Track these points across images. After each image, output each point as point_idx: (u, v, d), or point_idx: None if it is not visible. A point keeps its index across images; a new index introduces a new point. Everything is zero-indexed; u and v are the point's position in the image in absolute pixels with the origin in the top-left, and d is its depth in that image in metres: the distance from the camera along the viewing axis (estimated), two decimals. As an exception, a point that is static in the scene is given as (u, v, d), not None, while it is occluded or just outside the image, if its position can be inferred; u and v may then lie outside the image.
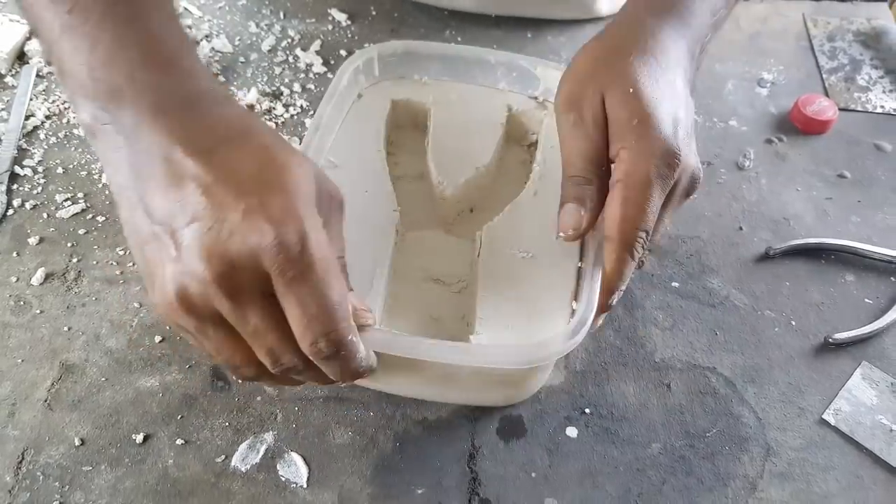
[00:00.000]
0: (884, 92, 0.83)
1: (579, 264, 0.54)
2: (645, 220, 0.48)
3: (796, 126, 0.78)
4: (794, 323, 0.63)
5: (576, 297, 0.52)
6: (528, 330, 0.51)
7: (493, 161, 0.63)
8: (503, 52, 0.67)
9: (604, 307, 0.50)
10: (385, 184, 0.60)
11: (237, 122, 0.42)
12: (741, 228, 0.69)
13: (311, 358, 0.40)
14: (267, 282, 0.38)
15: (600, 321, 0.53)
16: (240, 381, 0.56)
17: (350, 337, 0.40)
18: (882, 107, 0.81)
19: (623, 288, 0.50)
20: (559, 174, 0.53)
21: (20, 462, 0.52)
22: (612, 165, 0.50)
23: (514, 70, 0.66)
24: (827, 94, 0.82)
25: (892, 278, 0.66)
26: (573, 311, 0.51)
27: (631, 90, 0.49)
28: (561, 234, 0.51)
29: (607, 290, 0.50)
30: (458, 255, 0.59)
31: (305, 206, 0.40)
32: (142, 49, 0.42)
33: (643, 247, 0.49)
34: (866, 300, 0.64)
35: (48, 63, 0.44)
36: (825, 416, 0.57)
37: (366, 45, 0.82)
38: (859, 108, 0.81)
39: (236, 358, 0.42)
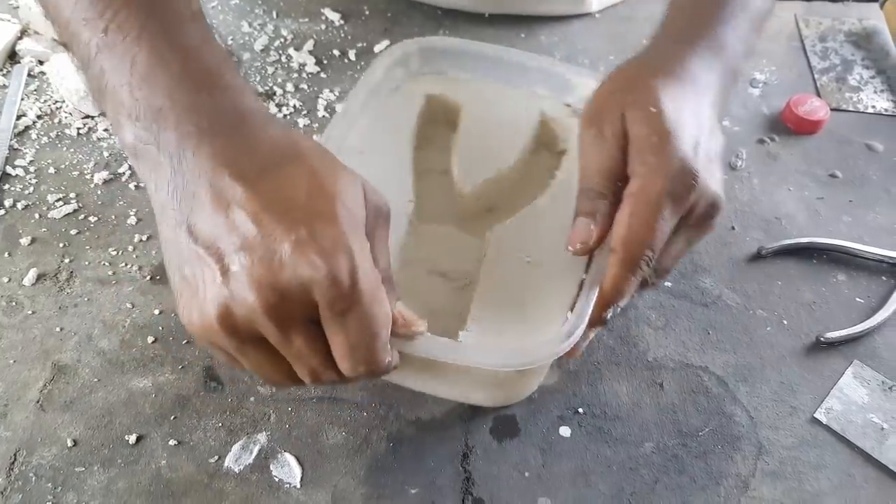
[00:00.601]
0: (875, 92, 0.83)
1: (584, 276, 0.54)
2: (652, 237, 0.47)
3: (788, 126, 0.78)
4: (785, 322, 0.63)
5: (572, 308, 0.52)
6: (520, 334, 0.51)
7: (517, 164, 0.63)
8: (542, 57, 0.67)
9: (596, 321, 0.49)
10: (407, 174, 0.60)
11: (283, 144, 0.41)
12: (733, 228, 0.69)
13: (347, 376, 0.42)
14: (313, 309, 0.39)
15: (591, 335, 0.54)
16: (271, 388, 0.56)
17: (387, 360, 0.42)
18: (873, 107, 0.81)
19: (622, 304, 0.49)
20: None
21: (12, 463, 0.51)
22: (630, 180, 0.49)
23: (551, 76, 0.66)
24: (818, 95, 0.82)
25: (884, 277, 0.66)
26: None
27: (653, 109, 0.49)
28: (570, 247, 0.51)
29: (602, 304, 0.49)
30: (468, 253, 0.59)
31: (354, 234, 0.40)
32: (180, 67, 0.41)
33: (648, 265, 0.48)
34: (857, 299, 0.65)
35: (85, 82, 0.44)
36: (817, 415, 0.57)
37: (359, 44, 0.82)
38: (851, 108, 0.81)
39: (276, 376, 0.42)
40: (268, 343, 0.40)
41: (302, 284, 0.38)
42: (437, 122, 0.67)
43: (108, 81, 0.42)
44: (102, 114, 0.73)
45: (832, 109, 0.79)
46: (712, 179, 0.49)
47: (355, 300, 0.39)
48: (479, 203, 0.62)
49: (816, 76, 0.84)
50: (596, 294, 0.49)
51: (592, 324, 0.49)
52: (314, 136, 0.62)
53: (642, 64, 0.54)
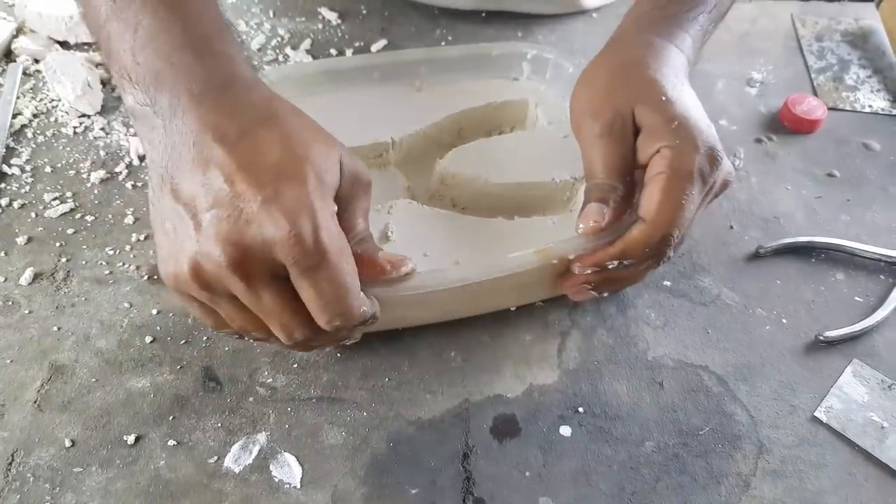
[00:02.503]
0: (871, 91, 0.83)
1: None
2: (682, 217, 0.49)
3: (786, 125, 0.78)
4: (785, 321, 0.63)
5: None
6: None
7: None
8: None
9: (599, 263, 0.51)
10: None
11: (264, 108, 0.44)
12: (732, 227, 0.69)
13: (326, 330, 0.44)
14: (280, 267, 0.41)
15: (588, 270, 0.53)
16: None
17: (362, 309, 0.44)
18: (870, 106, 0.82)
19: (625, 263, 0.51)
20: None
21: (10, 464, 0.51)
22: (651, 163, 0.50)
23: None
24: (815, 94, 0.82)
25: (882, 276, 0.66)
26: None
27: (664, 98, 0.51)
28: (581, 225, 0.51)
29: (612, 256, 0.51)
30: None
31: (321, 196, 0.42)
32: (180, 33, 0.44)
33: (670, 246, 0.50)
34: (856, 298, 0.65)
35: (97, 49, 0.48)
36: (817, 414, 0.57)
37: (356, 43, 0.82)
38: (848, 108, 0.81)
39: (248, 327, 0.44)
40: (239, 299, 0.43)
41: (265, 242, 0.40)
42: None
43: (114, 46, 0.45)
44: (99, 112, 0.73)
45: (829, 109, 0.79)
46: (724, 156, 0.51)
47: (320, 258, 0.41)
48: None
49: (813, 76, 0.84)
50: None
51: (595, 262, 0.51)
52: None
53: (624, 56, 0.55)
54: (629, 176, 0.51)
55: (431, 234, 0.56)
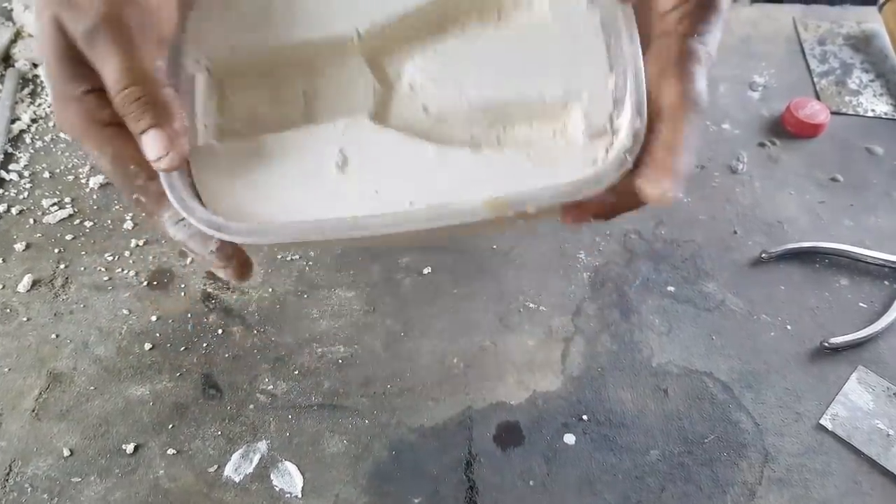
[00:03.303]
0: (874, 95, 0.83)
1: None
2: None
3: (789, 129, 0.78)
4: (789, 327, 0.62)
5: None
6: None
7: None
8: None
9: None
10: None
11: None
12: (735, 232, 0.69)
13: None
14: None
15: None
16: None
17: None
18: (873, 110, 0.81)
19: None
20: None
21: (7, 474, 0.50)
22: None
23: None
24: (818, 98, 0.82)
25: (886, 282, 0.66)
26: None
27: None
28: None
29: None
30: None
31: (58, 88, 0.41)
32: None
33: None
34: (860, 304, 0.64)
35: None
36: (822, 422, 0.57)
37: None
38: (850, 112, 0.81)
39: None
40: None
41: None
42: None
43: None
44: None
45: (832, 113, 0.79)
46: None
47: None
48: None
49: (816, 79, 0.84)
50: None
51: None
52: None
53: None
54: None
55: (389, 167, 0.47)
